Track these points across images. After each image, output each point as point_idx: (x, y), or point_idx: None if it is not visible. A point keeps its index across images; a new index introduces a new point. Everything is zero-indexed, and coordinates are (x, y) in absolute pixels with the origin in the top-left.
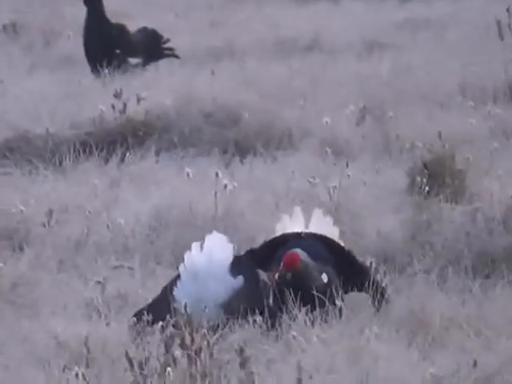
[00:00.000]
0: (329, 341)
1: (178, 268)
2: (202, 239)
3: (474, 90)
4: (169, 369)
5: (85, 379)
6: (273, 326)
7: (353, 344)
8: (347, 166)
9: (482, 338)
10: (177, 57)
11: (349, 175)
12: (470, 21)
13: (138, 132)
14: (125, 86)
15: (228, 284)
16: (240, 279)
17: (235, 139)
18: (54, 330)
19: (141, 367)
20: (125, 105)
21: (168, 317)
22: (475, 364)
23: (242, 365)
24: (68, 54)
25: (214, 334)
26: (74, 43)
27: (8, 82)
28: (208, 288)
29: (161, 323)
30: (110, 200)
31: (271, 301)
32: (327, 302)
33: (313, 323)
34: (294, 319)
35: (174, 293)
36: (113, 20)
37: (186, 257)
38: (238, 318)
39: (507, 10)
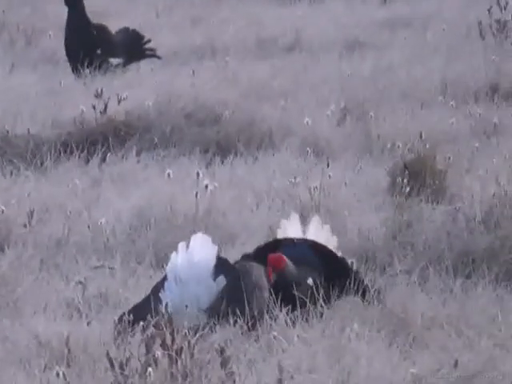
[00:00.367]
0: (310, 340)
1: (163, 268)
2: (183, 239)
3: (455, 89)
4: (150, 369)
5: (65, 379)
6: (253, 326)
7: (334, 343)
8: (328, 165)
9: (463, 337)
10: (158, 57)
11: (330, 175)
12: (451, 21)
13: (119, 132)
14: (106, 85)
15: (211, 286)
16: (223, 280)
17: (216, 139)
18: (34, 330)
19: (122, 367)
20: (106, 105)
21: (149, 317)
22: (456, 364)
23: (223, 365)
24: (49, 54)
25: (195, 334)
26: (55, 42)
27: None
28: (191, 290)
29: (141, 323)
30: (91, 200)
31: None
32: (308, 303)
33: (294, 323)
34: (275, 319)
35: (160, 294)
36: (94, 19)
37: (171, 257)
38: (219, 319)
39: (488, 10)
